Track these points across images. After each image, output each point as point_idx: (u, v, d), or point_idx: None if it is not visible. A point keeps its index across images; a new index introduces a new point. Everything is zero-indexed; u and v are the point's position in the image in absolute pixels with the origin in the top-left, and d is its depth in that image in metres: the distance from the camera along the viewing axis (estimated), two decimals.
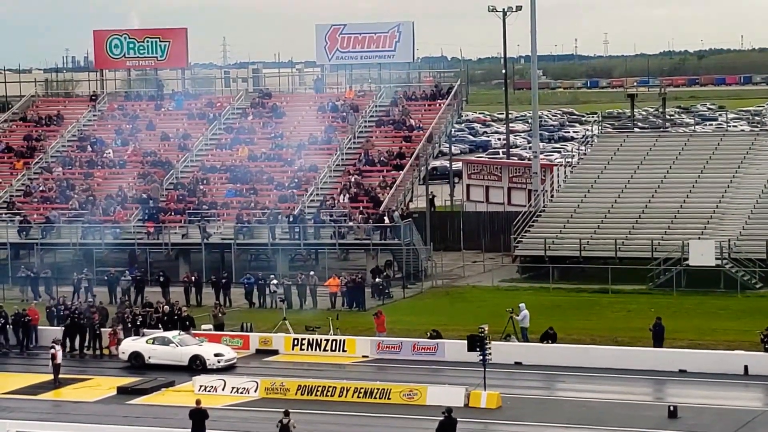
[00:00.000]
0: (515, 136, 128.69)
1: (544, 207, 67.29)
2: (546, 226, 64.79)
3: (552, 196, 68.92)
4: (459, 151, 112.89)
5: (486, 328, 40.42)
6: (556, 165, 76.05)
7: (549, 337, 46.33)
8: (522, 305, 48.36)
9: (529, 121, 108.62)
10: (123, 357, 46.90)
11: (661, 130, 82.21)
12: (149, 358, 46.16)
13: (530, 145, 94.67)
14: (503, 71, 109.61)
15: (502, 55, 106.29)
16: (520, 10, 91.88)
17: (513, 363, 44.80)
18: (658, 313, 47.51)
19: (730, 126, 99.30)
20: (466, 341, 40.91)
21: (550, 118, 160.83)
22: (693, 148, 70.59)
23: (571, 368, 43.87)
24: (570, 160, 74.63)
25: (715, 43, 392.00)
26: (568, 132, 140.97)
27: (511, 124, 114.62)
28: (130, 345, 47.15)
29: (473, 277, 63.75)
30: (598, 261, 61.37)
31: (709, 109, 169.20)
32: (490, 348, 40.11)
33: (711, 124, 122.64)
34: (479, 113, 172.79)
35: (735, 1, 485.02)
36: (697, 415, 37.73)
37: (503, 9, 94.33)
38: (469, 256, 67.70)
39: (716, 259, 57.63)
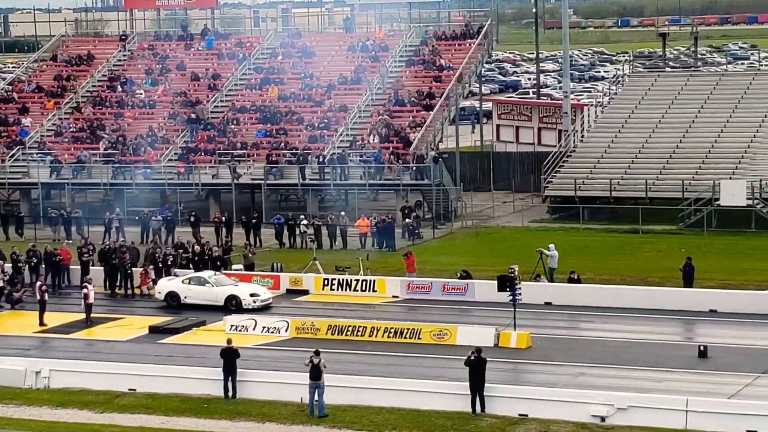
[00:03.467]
0: (545, 75, 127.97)
1: (574, 147, 67.06)
2: (576, 166, 64.60)
3: (582, 137, 68.66)
4: (489, 91, 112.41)
5: (516, 269, 40.45)
6: (586, 105, 75.69)
7: (573, 282, 46.33)
8: (551, 246, 48.35)
9: (560, 60, 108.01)
10: (159, 297, 47.06)
11: (693, 69, 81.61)
12: (185, 297, 46.30)
13: (560, 84, 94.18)
14: (534, 10, 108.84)
15: None
16: None
17: (543, 303, 44.89)
18: (688, 254, 47.47)
19: (762, 65, 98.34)
20: (496, 281, 40.99)
21: (581, 58, 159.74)
22: (724, 87, 70.09)
23: (600, 308, 43.92)
24: (600, 100, 74.24)
25: None
26: (599, 72, 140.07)
27: (541, 64, 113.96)
28: (166, 285, 47.24)
29: (503, 217, 63.73)
30: (629, 201, 61.24)
31: (741, 48, 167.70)
32: (520, 288, 40.18)
33: (743, 64, 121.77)
34: (509, 53, 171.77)
35: None
36: (727, 354, 37.75)
37: None
38: (499, 197, 67.65)
39: (747, 199, 57.44)
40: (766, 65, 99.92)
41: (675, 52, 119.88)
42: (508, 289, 40.02)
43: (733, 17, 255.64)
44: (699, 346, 37.80)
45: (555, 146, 69.74)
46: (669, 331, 41.64)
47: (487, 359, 33.56)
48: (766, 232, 56.25)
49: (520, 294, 40.17)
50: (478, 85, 78.01)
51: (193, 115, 68.41)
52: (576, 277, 46.48)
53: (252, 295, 45.84)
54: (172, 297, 46.55)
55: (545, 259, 47.66)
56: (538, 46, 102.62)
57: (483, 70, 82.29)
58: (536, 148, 75.61)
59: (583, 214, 60.29)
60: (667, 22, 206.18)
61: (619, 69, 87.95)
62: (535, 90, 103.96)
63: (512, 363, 37.67)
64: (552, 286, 46.50)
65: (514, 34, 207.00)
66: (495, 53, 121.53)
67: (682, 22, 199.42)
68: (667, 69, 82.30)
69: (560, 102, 76.43)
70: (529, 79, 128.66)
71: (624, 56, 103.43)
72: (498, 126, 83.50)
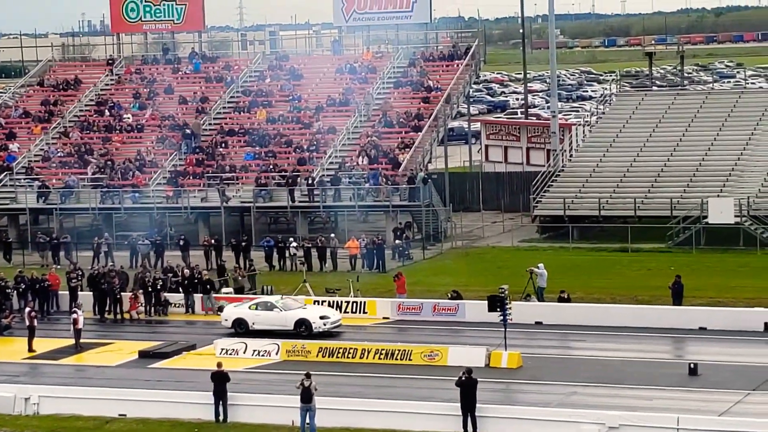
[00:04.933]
0: (533, 95, 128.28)
1: (563, 166, 67.15)
2: (565, 185, 64.69)
3: (571, 156, 68.77)
4: (477, 112, 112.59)
5: (506, 289, 40.46)
6: (574, 124, 75.84)
7: (563, 301, 46.33)
8: (540, 265, 48.36)
9: (547, 80, 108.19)
10: (226, 324, 45.55)
11: (680, 88, 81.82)
12: (253, 324, 44.90)
13: (548, 104, 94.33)
14: (521, 31, 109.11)
15: (520, 15, 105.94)
16: None
17: (533, 323, 44.87)
18: (677, 271, 47.51)
19: (748, 83, 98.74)
20: (486, 302, 40.96)
21: (568, 78, 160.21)
22: (711, 105, 70.28)
23: (591, 327, 43.91)
24: (588, 119, 74.42)
25: (733, 0, 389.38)
26: (587, 91, 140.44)
27: (529, 84, 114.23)
28: (233, 312, 45.83)
29: (493, 237, 63.75)
30: (618, 220, 61.30)
31: (727, 66, 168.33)
32: (510, 308, 40.17)
33: (729, 82, 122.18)
34: (497, 73, 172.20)
35: None
36: (717, 372, 37.74)
37: None
38: (489, 217, 67.68)
39: (735, 216, 57.51)
40: (752, 83, 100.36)
41: (662, 71, 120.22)
42: (498, 309, 40.01)
43: (718, 36, 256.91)
44: (689, 364, 37.80)
45: (544, 166, 69.81)
46: (659, 349, 41.64)
47: (478, 380, 33.52)
48: (754, 250, 56.34)
49: (510, 314, 40.15)
50: (466, 106, 78.12)
51: (188, 131, 68.47)
52: (566, 296, 46.49)
53: (322, 317, 44.63)
54: (239, 324, 45.12)
55: (535, 278, 47.67)
56: (526, 67, 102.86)
57: (471, 90, 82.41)
58: (525, 168, 75.70)
59: (572, 233, 60.34)
60: (653, 42, 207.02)
61: (606, 88, 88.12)
62: (523, 110, 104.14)
63: (503, 383, 37.63)
64: (542, 306, 46.49)
65: (501, 54, 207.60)
66: (483, 74, 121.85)
67: (668, 41, 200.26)
68: (654, 88, 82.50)
69: (548, 122, 76.55)
70: (517, 99, 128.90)
71: (611, 75, 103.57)
72: (487, 146, 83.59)
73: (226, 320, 45.73)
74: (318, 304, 47.46)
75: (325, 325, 44.27)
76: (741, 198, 58.72)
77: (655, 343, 42.05)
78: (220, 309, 47.31)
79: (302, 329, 44.24)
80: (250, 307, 45.64)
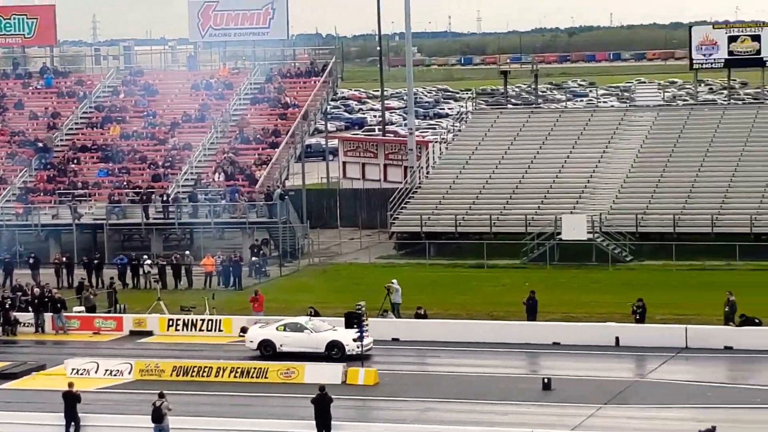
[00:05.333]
0: (391, 113, 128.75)
1: (420, 183, 67.48)
2: (422, 202, 65.01)
3: (428, 173, 69.15)
4: (335, 129, 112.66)
5: (363, 305, 40.40)
6: (431, 141, 76.31)
7: (420, 317, 46.43)
8: (394, 281, 48.43)
9: (404, 97, 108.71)
10: (251, 346, 43.32)
11: (534, 106, 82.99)
12: (281, 346, 42.77)
13: (405, 121, 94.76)
14: (378, 48, 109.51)
15: (377, 32, 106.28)
16: None
17: (390, 339, 44.87)
18: (531, 287, 47.99)
19: (600, 102, 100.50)
20: (343, 318, 40.79)
21: (425, 95, 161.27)
22: (565, 123, 71.39)
23: (447, 343, 44.06)
24: (445, 136, 74.95)
25: (585, 20, 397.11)
26: (443, 108, 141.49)
27: (386, 101, 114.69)
28: (259, 333, 43.47)
29: (350, 254, 63.71)
30: (474, 236, 61.79)
31: (579, 85, 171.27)
32: (367, 324, 40.10)
33: (582, 100, 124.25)
34: (354, 90, 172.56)
35: None
36: (570, 386, 38.17)
37: None
38: (346, 234, 67.67)
39: (588, 233, 58.43)
40: (604, 102, 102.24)
41: (517, 89, 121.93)
42: (355, 326, 39.90)
43: (572, 55, 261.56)
44: (543, 379, 38.15)
45: (401, 183, 70.08)
46: (514, 364, 41.98)
47: (333, 397, 33.34)
48: (606, 266, 57.28)
49: (367, 330, 40.05)
50: (323, 123, 78.05)
51: (40, 144, 67.07)
52: (423, 313, 46.60)
53: (355, 339, 41.57)
54: (266, 346, 42.95)
55: (392, 294, 47.71)
56: (383, 84, 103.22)
57: (328, 107, 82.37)
58: (382, 185, 75.91)
59: (429, 249, 60.64)
60: (508, 60, 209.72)
61: (462, 106, 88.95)
62: (380, 127, 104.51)
63: (360, 400, 37.52)
64: (399, 322, 46.52)
65: (359, 71, 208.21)
66: (340, 91, 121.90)
67: (523, 60, 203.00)
68: (509, 106, 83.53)
69: (405, 139, 76.92)
70: (375, 116, 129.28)
71: (467, 93, 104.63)
72: (344, 163, 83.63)
73: (251, 342, 43.38)
74: (170, 322, 46.64)
75: (358, 347, 41.36)
76: (593, 215, 59.68)
77: (510, 359, 42.38)
78: (243, 330, 44.72)
79: (334, 352, 42.13)
80: (277, 328, 43.31)
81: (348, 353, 41.69)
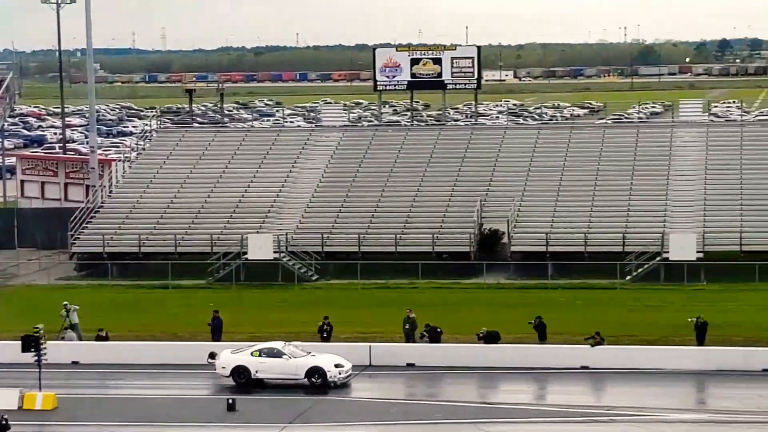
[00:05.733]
0: (72, 130, 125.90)
1: (102, 203, 65.90)
2: (105, 222, 63.50)
3: (111, 192, 67.64)
4: (13, 146, 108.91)
5: (42, 328, 38.96)
6: (114, 160, 74.73)
7: (101, 339, 45.17)
8: (66, 303, 46.91)
9: (87, 115, 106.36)
10: (222, 372, 40.67)
11: (220, 125, 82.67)
12: (256, 372, 40.15)
13: (87, 139, 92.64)
14: (58, 64, 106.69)
15: (57, 48, 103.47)
16: (75, 2, 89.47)
17: (70, 362, 43.46)
18: (217, 307, 47.53)
19: (286, 121, 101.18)
20: (20, 342, 39.23)
21: (109, 113, 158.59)
22: (251, 143, 71.33)
23: (130, 366, 43.05)
24: (129, 155, 73.52)
25: (272, 40, 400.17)
26: (127, 127, 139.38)
27: (67, 119, 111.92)
28: (231, 358, 40.67)
29: (28, 275, 61.51)
30: (159, 257, 60.74)
31: (266, 104, 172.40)
32: (45, 348, 38.69)
33: (268, 120, 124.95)
34: (34, 107, 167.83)
35: (290, 0, 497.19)
36: (255, 406, 37.95)
37: (57, 1, 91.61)
38: (25, 254, 65.36)
39: (274, 252, 58.44)
40: (290, 122, 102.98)
41: (203, 107, 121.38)
42: (33, 349, 38.42)
43: (258, 75, 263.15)
44: (228, 399, 37.75)
45: (82, 202, 68.24)
46: (198, 385, 41.34)
47: (11, 424, 31.93)
48: (292, 285, 57.45)
49: (45, 354, 38.64)
50: (0, 140, 75.18)
51: None
52: (104, 335, 45.36)
53: (337, 366, 39.99)
54: (239, 373, 40.16)
55: (70, 313, 46.31)
56: (64, 101, 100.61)
57: (6, 124, 79.51)
58: (63, 204, 73.72)
59: (112, 270, 59.27)
60: (194, 79, 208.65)
61: (147, 124, 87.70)
62: (61, 145, 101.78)
63: (38, 425, 36.23)
64: (80, 345, 45.12)
65: (39, 87, 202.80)
66: (19, 107, 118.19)
67: (209, 78, 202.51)
68: (195, 125, 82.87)
69: (87, 157, 75.07)
70: (56, 133, 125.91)
71: (152, 111, 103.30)
72: (22, 182, 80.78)
73: (224, 368, 40.64)
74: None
75: (340, 374, 39.73)
76: (279, 234, 59.76)
77: (195, 380, 41.72)
78: (212, 356, 41.55)
79: (315, 378, 39.83)
80: (252, 354, 40.58)
81: (329, 380, 39.82)
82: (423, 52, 75.47)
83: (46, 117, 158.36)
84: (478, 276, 57.43)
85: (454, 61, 73.82)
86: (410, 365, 42.87)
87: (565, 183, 64.28)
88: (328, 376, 39.82)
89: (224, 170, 67.91)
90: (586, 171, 65.27)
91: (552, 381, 41.37)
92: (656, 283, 55.88)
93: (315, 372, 39.89)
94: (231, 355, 40.99)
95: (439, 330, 44.34)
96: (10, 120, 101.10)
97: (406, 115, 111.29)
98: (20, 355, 39.35)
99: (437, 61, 74.09)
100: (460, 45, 78.89)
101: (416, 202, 63.86)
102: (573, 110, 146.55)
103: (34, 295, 56.56)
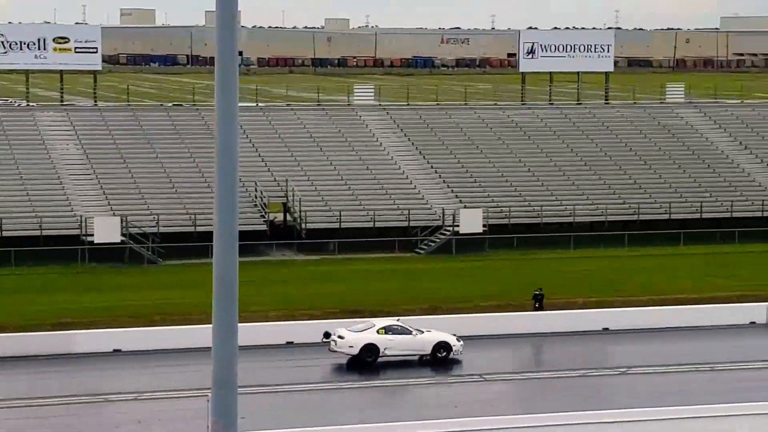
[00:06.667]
0: None
1: None
2: None
3: None
4: None
5: None
6: None
7: None
8: None
9: None
10: (351, 351, 39.91)
11: None
12: (385, 350, 39.84)
13: None
14: None
15: None
16: None
17: None
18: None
19: None
20: None
21: None
22: None
23: None
24: None
25: None
26: None
27: None
28: (358, 337, 39.95)
29: None
30: None
31: None
32: None
33: None
34: None
35: None
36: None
37: None
38: None
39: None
40: None
41: None
42: None
43: None
44: None
45: None
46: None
47: None
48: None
49: None
50: None
51: None
52: None
53: (458, 340, 40.87)
54: (369, 350, 39.77)
55: None
56: None
57: None
58: None
59: None
60: None
61: None
62: None
63: None
64: None
65: None
66: None
67: None
68: None
69: None
70: None
71: None
72: None
73: (352, 347, 39.89)
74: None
75: (462, 349, 40.71)
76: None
77: None
78: (327, 335, 40.15)
79: (441, 352, 40.34)
80: (378, 332, 40.16)
81: (453, 355, 40.65)
82: None
83: None
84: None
85: None
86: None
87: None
88: (453, 350, 41.04)
89: None
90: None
91: None
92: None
93: (441, 347, 40.99)
94: (357, 334, 40.66)
95: None
96: None
97: None
98: None
99: None
100: None
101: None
102: None
103: None
